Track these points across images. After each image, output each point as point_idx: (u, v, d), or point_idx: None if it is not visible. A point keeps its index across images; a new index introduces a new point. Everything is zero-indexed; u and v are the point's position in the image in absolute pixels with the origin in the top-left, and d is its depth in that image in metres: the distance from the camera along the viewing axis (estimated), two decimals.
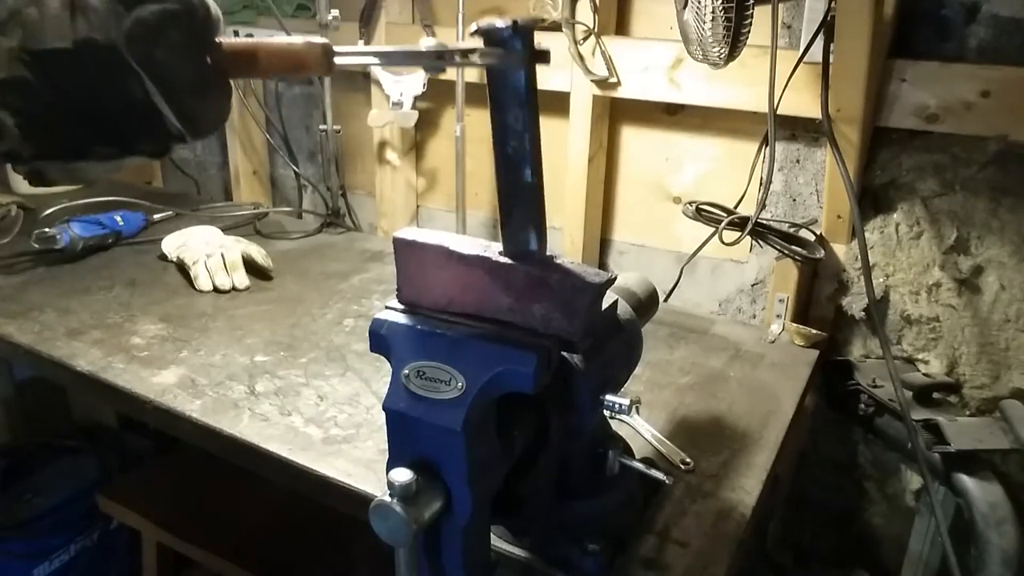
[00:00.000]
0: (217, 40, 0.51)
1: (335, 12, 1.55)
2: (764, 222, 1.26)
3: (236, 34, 1.77)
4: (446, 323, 0.65)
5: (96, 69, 0.47)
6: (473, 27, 0.58)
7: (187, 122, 0.50)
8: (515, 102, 0.59)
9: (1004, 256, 1.19)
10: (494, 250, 0.65)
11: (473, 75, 1.50)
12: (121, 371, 1.09)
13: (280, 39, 0.54)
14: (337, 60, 0.54)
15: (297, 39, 0.54)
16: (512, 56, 0.57)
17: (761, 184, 1.23)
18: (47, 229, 1.46)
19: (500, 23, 0.56)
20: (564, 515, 0.76)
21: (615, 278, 0.64)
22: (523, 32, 0.56)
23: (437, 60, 0.56)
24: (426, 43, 0.55)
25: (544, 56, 0.59)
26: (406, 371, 0.63)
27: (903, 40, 1.16)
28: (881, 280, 1.27)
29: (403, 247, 0.67)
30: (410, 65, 0.65)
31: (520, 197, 0.63)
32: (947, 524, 1.13)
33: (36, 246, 1.46)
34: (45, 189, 1.71)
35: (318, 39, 0.54)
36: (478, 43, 0.57)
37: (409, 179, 1.74)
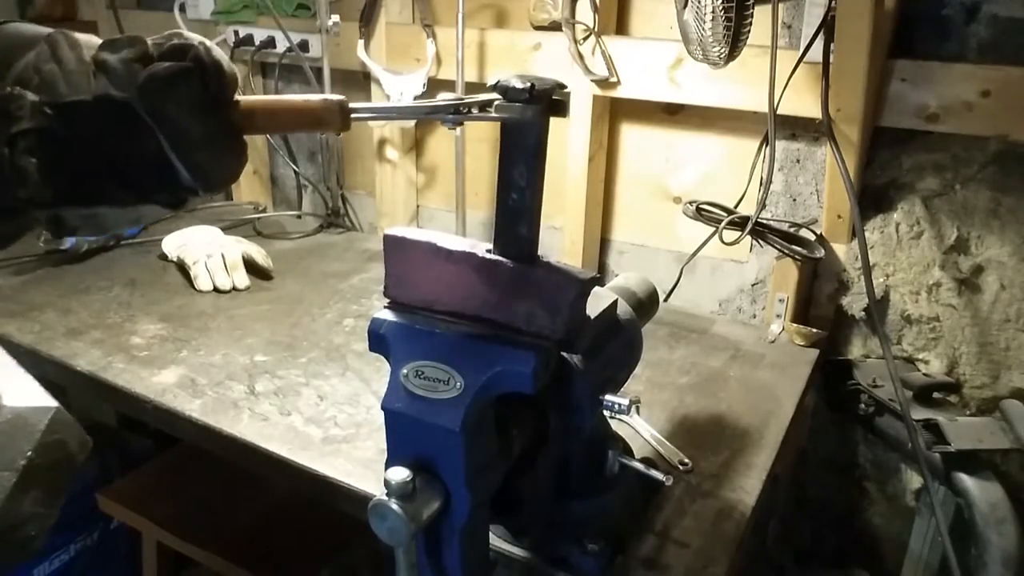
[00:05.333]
0: (233, 98, 0.52)
1: (335, 18, 1.55)
2: (764, 222, 1.26)
3: (236, 34, 1.77)
4: (445, 323, 0.65)
5: (113, 123, 0.51)
6: (492, 82, 0.59)
7: (199, 176, 0.53)
8: (523, 158, 0.60)
9: (1004, 256, 1.19)
10: (481, 248, 0.65)
11: (473, 75, 1.50)
12: (121, 371, 1.09)
13: (297, 97, 0.56)
14: (354, 116, 0.55)
15: (314, 97, 0.55)
16: (528, 113, 0.58)
17: (761, 184, 1.23)
18: None
19: (519, 84, 0.57)
20: (564, 515, 0.76)
21: (599, 277, 0.64)
22: (540, 96, 0.58)
23: (454, 114, 0.57)
24: (443, 97, 0.56)
25: (562, 108, 0.60)
26: (405, 371, 0.63)
27: (903, 40, 1.16)
28: (881, 280, 1.27)
29: (392, 244, 0.67)
30: (427, 119, 0.66)
31: (513, 246, 0.63)
32: (947, 524, 1.13)
33: (42, 246, 1.46)
34: None
35: (335, 97, 0.55)
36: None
37: (409, 177, 1.74)
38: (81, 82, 0.49)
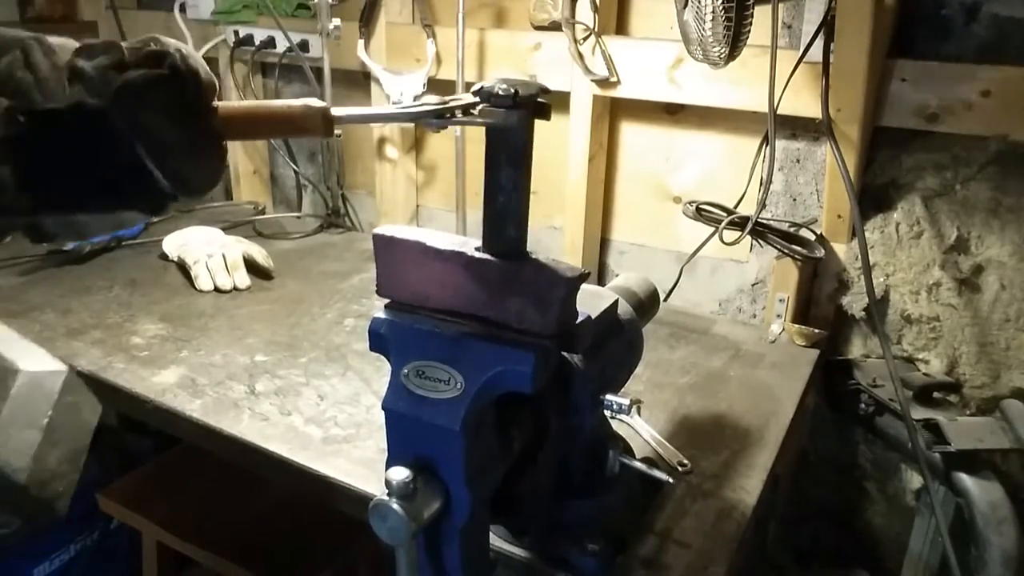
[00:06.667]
0: (211, 104, 0.52)
1: (336, 21, 1.55)
2: (764, 222, 1.26)
3: (236, 34, 1.77)
4: (445, 323, 0.65)
5: (88, 130, 0.50)
6: (476, 87, 0.58)
7: (177, 183, 0.52)
8: (509, 162, 0.60)
9: (1004, 256, 1.19)
10: (470, 246, 0.65)
11: (473, 75, 1.50)
12: (121, 371, 1.09)
13: (277, 103, 0.55)
14: (337, 120, 0.55)
15: (296, 103, 0.54)
16: (512, 118, 0.58)
17: (761, 184, 1.23)
18: None
19: (503, 89, 0.57)
20: (564, 515, 0.76)
21: (588, 273, 0.64)
22: (524, 102, 0.58)
23: (437, 119, 0.57)
24: (428, 100, 0.57)
25: (545, 111, 0.60)
26: (405, 370, 0.63)
27: (903, 40, 1.16)
28: (881, 280, 1.27)
29: (382, 243, 0.67)
30: (411, 122, 0.66)
31: (502, 245, 0.63)
32: (947, 524, 1.13)
33: (43, 246, 1.46)
34: None
35: (317, 102, 0.54)
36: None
37: (409, 177, 1.74)
38: (55, 89, 0.48)
